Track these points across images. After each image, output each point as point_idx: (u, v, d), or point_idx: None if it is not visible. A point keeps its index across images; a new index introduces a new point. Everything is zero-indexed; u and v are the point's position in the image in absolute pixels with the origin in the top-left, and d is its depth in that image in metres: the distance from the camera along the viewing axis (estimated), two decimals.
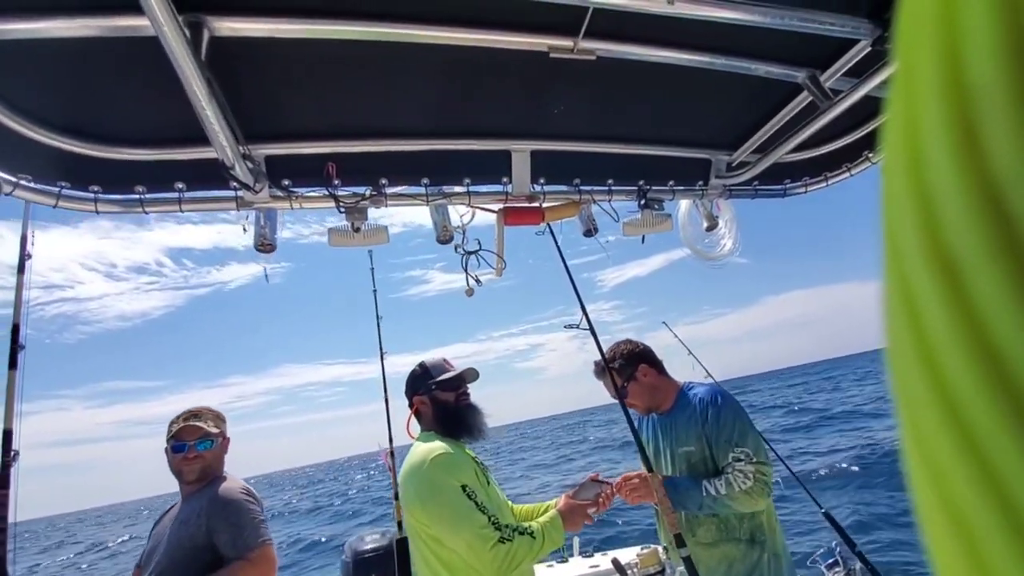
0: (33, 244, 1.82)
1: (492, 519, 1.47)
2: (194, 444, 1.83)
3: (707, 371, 2.83)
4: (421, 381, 1.82)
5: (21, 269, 1.78)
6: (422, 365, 1.86)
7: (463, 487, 1.50)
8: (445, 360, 1.88)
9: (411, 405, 1.81)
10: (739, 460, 1.69)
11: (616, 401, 1.90)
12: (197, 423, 1.86)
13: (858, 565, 2.30)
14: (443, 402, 1.78)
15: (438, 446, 1.59)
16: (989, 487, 0.12)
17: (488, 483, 1.69)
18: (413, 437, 1.78)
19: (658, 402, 1.94)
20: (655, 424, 1.98)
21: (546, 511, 1.89)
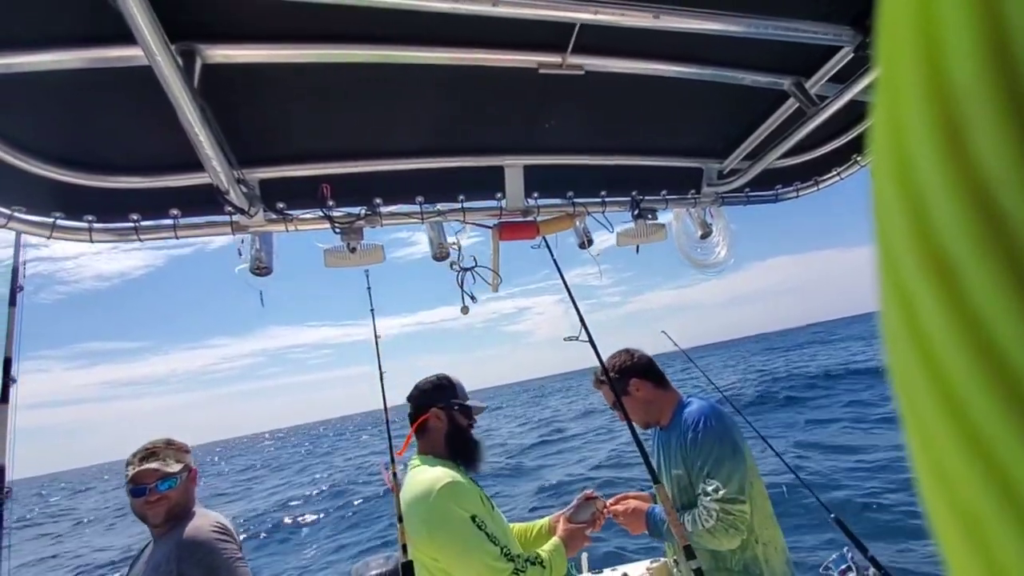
0: (25, 276, 1.80)
1: (504, 550, 1.43)
2: (154, 486, 1.68)
3: (712, 381, 2.82)
4: (444, 394, 1.74)
5: (12, 301, 1.76)
6: (447, 378, 1.78)
7: (473, 517, 1.45)
8: (463, 385, 1.83)
9: (420, 412, 1.71)
10: (707, 495, 1.62)
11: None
12: (154, 464, 1.70)
13: (871, 571, 2.26)
14: (459, 424, 1.71)
15: (444, 473, 1.53)
16: (997, 485, 0.12)
17: (492, 508, 1.64)
18: (401, 454, 1.72)
19: (655, 416, 1.88)
20: (658, 440, 1.93)
21: (539, 531, 1.86)
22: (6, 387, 1.72)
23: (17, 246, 1.78)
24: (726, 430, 1.72)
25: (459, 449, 1.69)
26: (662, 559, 2.84)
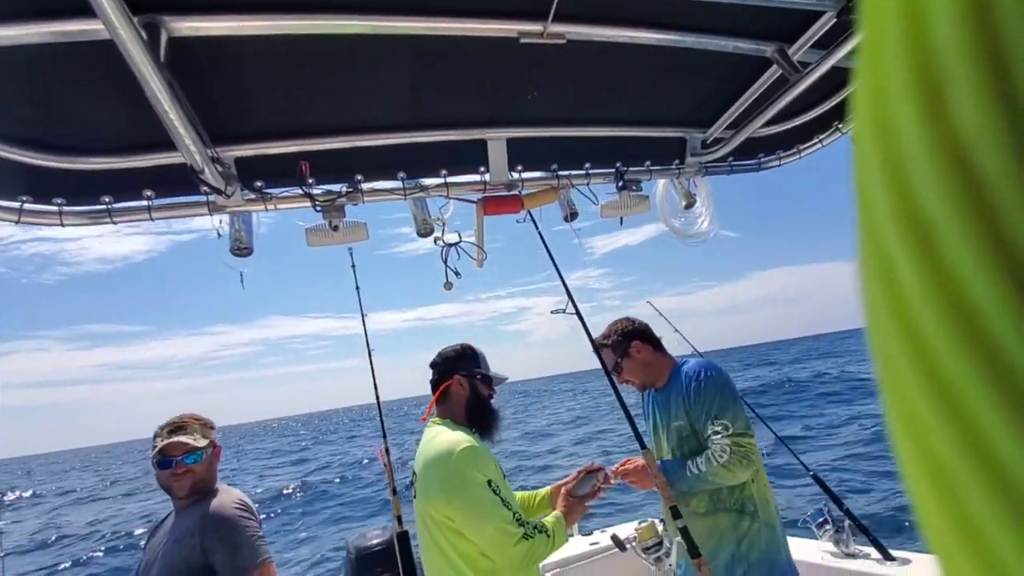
0: None
1: (516, 515, 1.47)
2: (181, 459, 1.72)
3: (693, 346, 2.88)
4: (467, 363, 1.75)
5: None
6: (471, 348, 1.80)
7: (489, 482, 1.48)
8: (486, 356, 1.84)
9: (443, 380, 1.72)
10: (716, 433, 1.71)
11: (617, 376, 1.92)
12: (182, 438, 1.73)
13: (847, 523, 2.38)
14: (480, 393, 1.73)
15: (464, 438, 1.55)
16: (968, 439, 0.13)
17: (504, 477, 1.67)
18: (425, 419, 1.72)
19: (653, 378, 1.96)
20: (653, 400, 2.01)
21: (540, 500, 1.90)
22: None
23: None
24: (726, 378, 1.83)
25: (478, 418, 1.71)
26: (650, 519, 2.95)
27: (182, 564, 1.63)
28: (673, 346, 2.13)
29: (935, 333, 0.13)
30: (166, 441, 1.72)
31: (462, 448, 1.50)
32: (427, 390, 1.77)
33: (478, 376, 1.74)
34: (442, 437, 1.57)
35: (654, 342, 1.99)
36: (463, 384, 1.71)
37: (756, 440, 1.77)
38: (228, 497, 1.76)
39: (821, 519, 2.42)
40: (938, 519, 0.14)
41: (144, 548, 1.81)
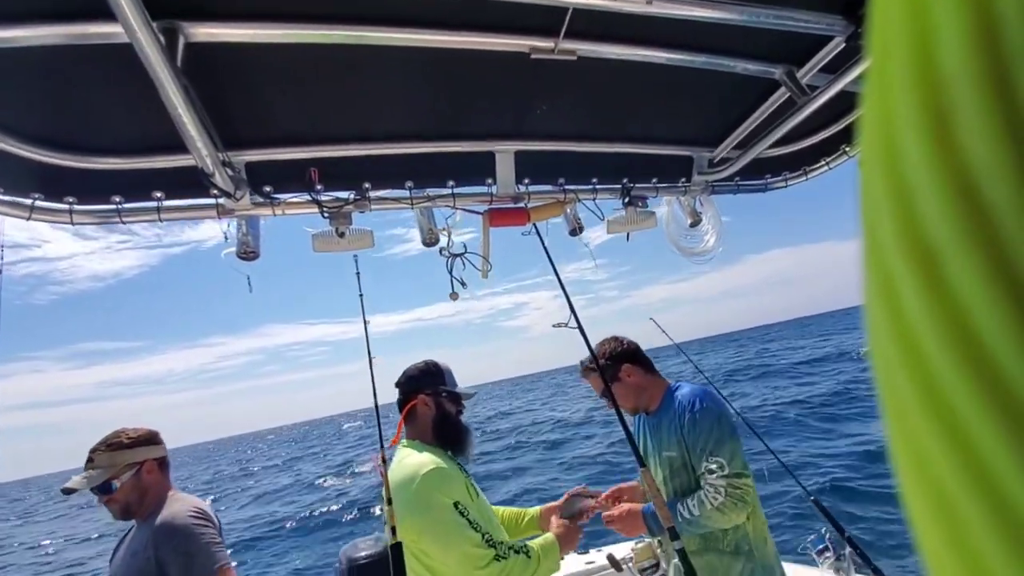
0: (3, 259, 1.76)
1: (486, 537, 1.43)
2: (97, 491, 1.70)
3: (696, 366, 2.85)
4: (431, 380, 1.72)
5: None
6: (435, 365, 1.76)
7: (455, 504, 1.45)
8: (452, 371, 1.81)
9: (408, 399, 1.70)
10: (711, 472, 1.63)
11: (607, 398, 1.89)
12: (75, 480, 1.70)
13: (847, 550, 2.34)
14: (446, 411, 1.70)
15: (429, 459, 1.53)
16: (971, 470, 0.13)
17: (477, 495, 1.64)
18: (395, 443, 1.69)
19: (645, 402, 1.90)
20: (645, 426, 1.94)
21: (529, 519, 1.87)
22: None
23: None
24: (722, 410, 1.74)
25: (447, 436, 1.68)
26: (646, 539, 2.90)
27: None
28: (677, 364, 2.09)
29: (938, 359, 0.13)
30: (68, 483, 1.71)
31: (426, 471, 1.48)
32: None
33: (443, 394, 1.71)
34: (408, 460, 1.55)
35: (645, 364, 1.92)
36: (428, 403, 1.68)
37: (752, 477, 1.69)
38: (181, 506, 1.73)
39: (821, 546, 2.37)
40: (940, 550, 0.14)
41: (110, 563, 1.78)
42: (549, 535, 1.63)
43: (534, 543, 1.56)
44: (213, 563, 1.63)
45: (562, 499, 1.83)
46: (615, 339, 1.98)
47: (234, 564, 1.72)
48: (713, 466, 1.63)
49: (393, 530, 1.44)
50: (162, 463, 1.83)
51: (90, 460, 1.73)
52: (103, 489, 1.70)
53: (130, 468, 1.74)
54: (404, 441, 1.68)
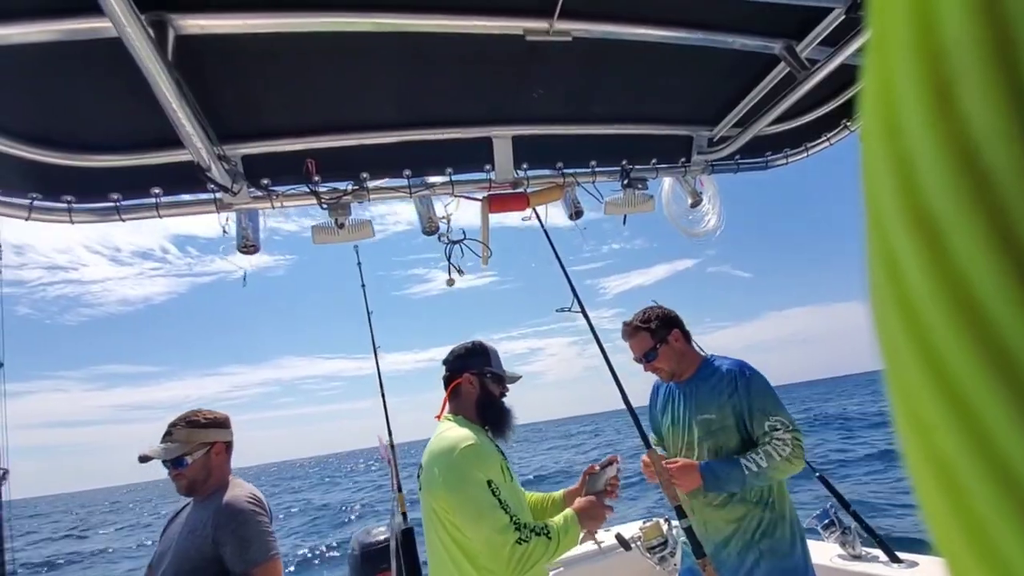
0: (1, 257, 1.76)
1: (513, 518, 1.45)
2: (170, 464, 1.79)
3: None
4: (478, 360, 1.75)
5: None
6: (482, 345, 1.79)
7: (488, 482, 1.47)
8: (499, 354, 1.82)
9: (454, 378, 1.72)
10: (776, 429, 1.72)
11: (623, 382, 1.87)
12: (154, 449, 1.79)
13: (853, 524, 2.37)
14: (490, 391, 1.73)
15: (468, 435, 1.54)
16: (973, 438, 0.13)
17: (511, 478, 1.66)
18: (439, 418, 1.71)
19: (682, 369, 1.94)
20: (673, 393, 1.98)
21: (554, 503, 1.88)
22: None
23: None
24: (765, 377, 1.84)
25: (489, 416, 1.71)
26: (655, 518, 2.94)
27: (195, 553, 1.67)
28: None
29: (941, 331, 0.13)
30: (146, 450, 1.79)
31: (465, 446, 1.51)
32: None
33: (488, 374, 1.73)
34: (449, 433, 1.57)
35: (687, 334, 1.99)
36: (473, 382, 1.71)
37: None
38: (241, 491, 1.80)
39: (827, 520, 2.41)
40: (944, 518, 0.14)
41: (160, 538, 1.85)
42: (569, 511, 1.64)
43: (554, 520, 1.58)
44: (267, 550, 1.70)
45: (582, 477, 1.83)
46: (660, 306, 2.02)
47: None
48: (777, 423, 1.74)
49: (404, 516, 1.46)
50: (229, 447, 1.91)
51: (168, 433, 1.82)
52: (176, 463, 1.78)
53: (203, 447, 1.82)
54: (448, 416, 1.70)
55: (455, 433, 1.56)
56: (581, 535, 1.61)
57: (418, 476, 1.66)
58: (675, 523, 1.63)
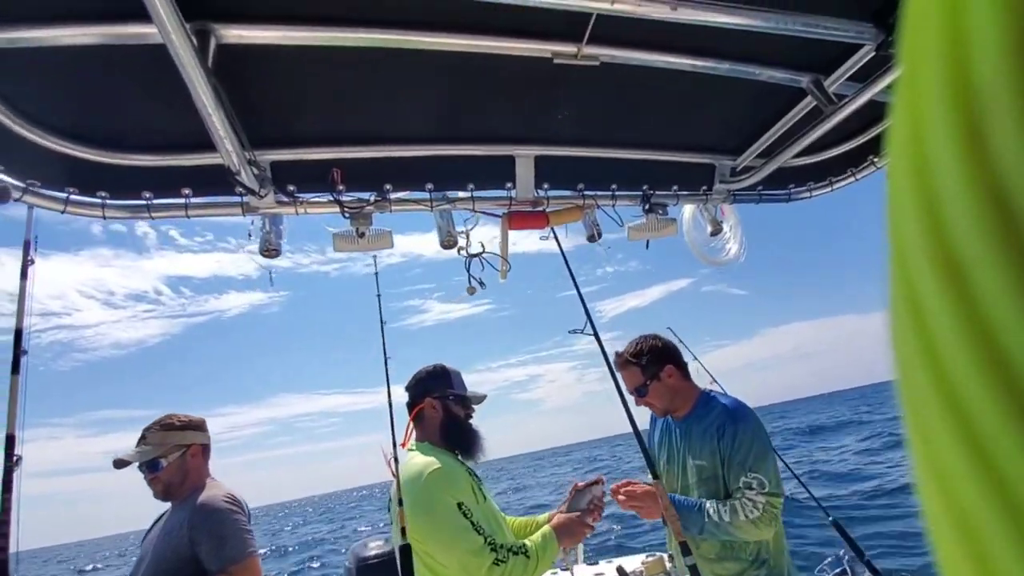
0: (36, 249, 1.82)
1: (488, 540, 1.43)
2: (144, 468, 1.78)
3: (711, 376, 2.81)
4: (439, 384, 1.74)
5: (24, 274, 1.79)
6: (443, 368, 1.78)
7: (459, 505, 1.46)
8: (461, 375, 1.82)
9: (416, 403, 1.72)
10: (750, 488, 1.61)
11: (631, 404, 1.82)
12: (129, 453, 1.78)
13: (867, 574, 2.27)
14: (454, 414, 1.72)
15: (434, 460, 1.54)
16: (996, 491, 0.12)
17: (484, 499, 1.64)
18: (405, 446, 1.70)
19: (676, 406, 1.86)
20: (670, 429, 1.90)
21: (537, 525, 1.85)
22: (17, 358, 1.75)
23: (29, 220, 1.80)
24: (759, 426, 1.72)
25: (455, 438, 1.70)
26: (658, 553, 2.86)
27: (171, 555, 1.65)
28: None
29: (967, 379, 0.13)
30: (120, 455, 1.78)
31: (431, 471, 1.50)
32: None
33: (451, 397, 1.72)
34: (414, 460, 1.57)
35: (684, 369, 1.89)
36: (436, 406, 1.70)
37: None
38: (218, 491, 1.78)
39: (839, 569, 2.31)
40: (960, 563, 0.14)
41: (140, 545, 1.84)
42: (547, 528, 1.62)
43: (531, 538, 1.55)
44: (244, 548, 1.68)
45: (567, 496, 1.80)
46: (655, 337, 1.91)
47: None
48: (753, 482, 1.62)
49: (403, 531, 1.44)
50: (205, 449, 1.90)
51: (143, 438, 1.82)
52: (151, 466, 1.77)
53: (177, 449, 1.82)
54: (413, 444, 1.69)
55: (421, 460, 1.55)
56: (560, 552, 1.58)
57: (388, 508, 1.63)
58: (683, 559, 1.57)
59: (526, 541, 1.54)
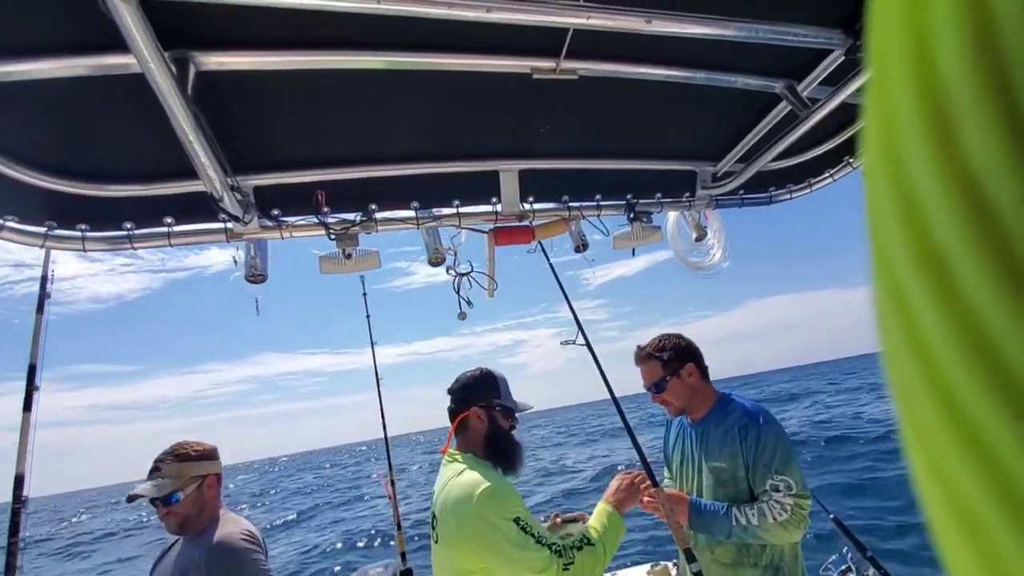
0: (53, 283, 1.77)
1: (552, 547, 1.36)
2: (159, 502, 1.68)
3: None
4: (487, 392, 1.63)
5: (40, 309, 1.73)
6: (491, 375, 1.67)
7: (516, 520, 1.37)
8: (507, 382, 1.71)
9: (460, 410, 1.60)
10: (777, 490, 1.59)
11: (643, 394, 1.82)
12: (144, 487, 1.68)
13: (871, 571, 2.26)
14: (500, 426, 1.61)
15: (481, 478, 1.43)
16: (994, 481, 0.12)
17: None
18: (445, 451, 1.60)
19: (693, 406, 1.83)
20: (685, 430, 1.88)
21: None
22: (29, 395, 1.67)
23: (47, 257, 1.75)
24: (782, 429, 1.70)
25: (498, 452, 1.59)
26: (663, 563, 2.83)
27: None
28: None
29: (955, 369, 0.13)
30: (135, 490, 1.70)
31: (482, 490, 1.39)
32: (425, 426, 1.69)
33: (497, 407, 1.62)
34: (462, 479, 1.45)
35: (704, 369, 1.86)
36: (481, 416, 1.59)
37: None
38: (235, 527, 1.72)
39: (844, 567, 2.30)
40: (966, 566, 0.14)
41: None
42: (601, 505, 1.54)
43: (591, 524, 1.49)
44: None
45: (549, 524, 1.74)
46: (679, 335, 1.89)
47: None
48: (780, 484, 1.60)
49: (403, 556, 1.41)
50: (219, 479, 1.82)
51: (156, 469, 1.72)
52: (167, 500, 1.67)
53: (194, 481, 1.73)
54: (456, 454, 1.58)
55: (468, 478, 1.45)
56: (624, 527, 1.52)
57: (432, 526, 1.53)
58: (689, 567, 1.55)
59: (586, 529, 1.47)
